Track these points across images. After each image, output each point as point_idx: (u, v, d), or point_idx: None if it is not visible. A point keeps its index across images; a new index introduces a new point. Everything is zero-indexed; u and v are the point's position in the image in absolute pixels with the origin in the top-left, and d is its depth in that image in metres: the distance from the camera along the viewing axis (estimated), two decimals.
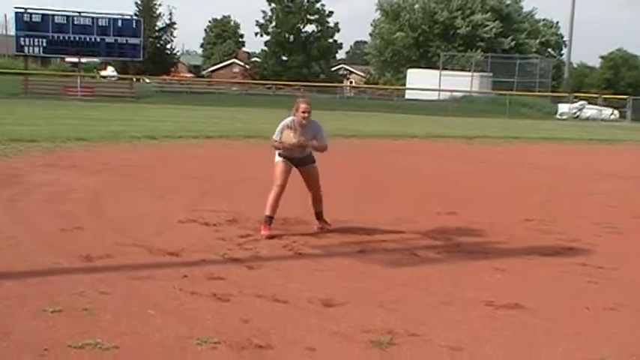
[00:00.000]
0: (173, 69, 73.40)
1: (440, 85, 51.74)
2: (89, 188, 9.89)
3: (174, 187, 10.38)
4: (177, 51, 75.55)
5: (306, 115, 7.53)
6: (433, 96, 50.11)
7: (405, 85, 58.43)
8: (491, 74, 56.53)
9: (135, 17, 49.46)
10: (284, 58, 70.45)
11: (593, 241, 7.74)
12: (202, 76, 78.91)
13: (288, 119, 7.60)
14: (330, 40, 72.51)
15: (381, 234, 7.63)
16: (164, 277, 5.59)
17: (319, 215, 7.90)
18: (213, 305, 4.96)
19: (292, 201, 8.73)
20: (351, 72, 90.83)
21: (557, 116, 47.35)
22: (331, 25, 72.24)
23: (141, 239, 6.83)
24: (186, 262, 6.12)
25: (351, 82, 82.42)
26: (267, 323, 4.65)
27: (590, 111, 47.99)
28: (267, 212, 7.44)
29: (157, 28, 69.62)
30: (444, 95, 50.34)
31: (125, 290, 5.21)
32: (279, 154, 7.73)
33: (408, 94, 54.10)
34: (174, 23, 71.59)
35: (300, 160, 7.76)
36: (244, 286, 5.44)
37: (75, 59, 48.38)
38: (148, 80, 56.62)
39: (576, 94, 52.32)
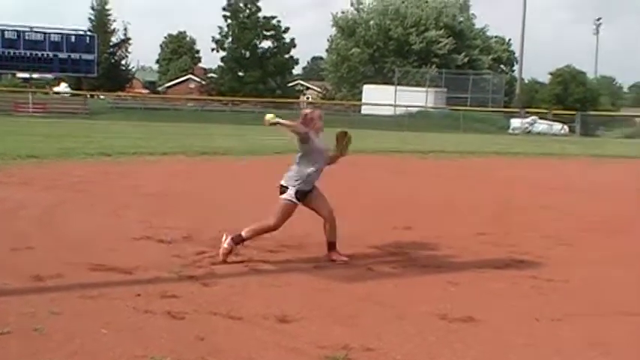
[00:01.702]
0: (128, 85, 72.75)
1: (395, 101, 52.22)
2: (41, 205, 9.75)
3: (128, 204, 10.29)
4: (132, 67, 75.15)
5: (322, 123, 7.15)
6: (389, 111, 50.50)
7: (361, 100, 58.80)
8: (445, 90, 57.27)
9: (89, 33, 49.03)
10: (240, 73, 70.43)
11: (543, 253, 7.86)
12: (158, 92, 78.38)
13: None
14: (287, 56, 72.76)
15: (338, 249, 7.63)
16: (117, 296, 5.53)
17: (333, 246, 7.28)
18: (167, 323, 4.93)
19: (249, 215, 8.69)
20: (308, 87, 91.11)
21: (510, 131, 48.09)
22: (287, 40, 72.52)
23: (93, 257, 6.75)
24: (140, 280, 6.06)
25: (307, 98, 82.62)
26: (223, 340, 4.64)
27: (541, 126, 48.89)
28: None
29: (111, 43, 69.04)
30: (399, 110, 50.80)
31: (77, 309, 5.15)
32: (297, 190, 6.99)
33: (364, 110, 54.50)
34: (129, 39, 71.11)
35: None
36: (199, 303, 5.42)
37: (26, 75, 47.75)
38: (102, 96, 56.09)
39: (527, 110, 53.21)
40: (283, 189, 7.05)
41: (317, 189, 7.23)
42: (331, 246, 7.24)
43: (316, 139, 7.04)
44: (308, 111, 7.34)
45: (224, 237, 7.06)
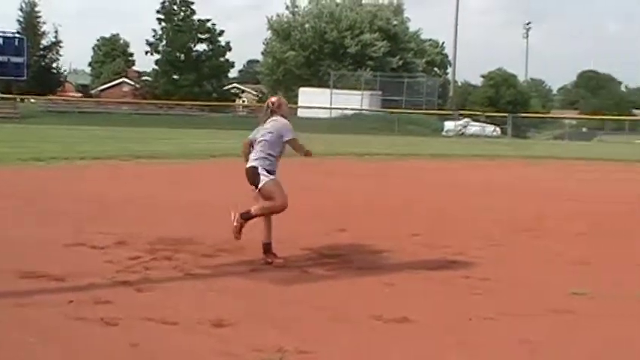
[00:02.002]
0: (60, 88, 71.23)
1: (331, 104, 52.50)
2: None
3: (61, 210, 10.11)
4: (64, 70, 73.49)
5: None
6: (325, 114, 50.75)
7: (297, 103, 58.91)
8: (380, 92, 57.81)
9: (17, 35, 47.86)
10: (175, 77, 69.66)
11: (476, 254, 8.01)
12: (91, 96, 77.03)
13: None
14: (222, 59, 72.31)
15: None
16: (48, 304, 5.43)
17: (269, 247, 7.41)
18: (100, 330, 4.86)
19: (184, 220, 8.69)
20: (244, 91, 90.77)
21: (444, 133, 48.87)
22: (222, 44, 72.10)
23: (24, 264, 6.60)
24: (73, 287, 5.97)
25: (243, 101, 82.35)
26: (157, 346, 4.60)
27: (474, 128, 49.81)
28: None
29: (41, 46, 67.42)
30: (335, 113, 51.09)
31: (5, 318, 5.04)
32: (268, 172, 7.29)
33: (300, 113, 54.57)
34: (60, 41, 69.54)
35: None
36: (133, 309, 5.36)
37: None
38: (33, 100, 54.83)
39: (461, 112, 54.15)
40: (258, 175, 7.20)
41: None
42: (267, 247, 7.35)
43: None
44: (274, 99, 7.63)
45: (232, 215, 7.17)
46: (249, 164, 7.33)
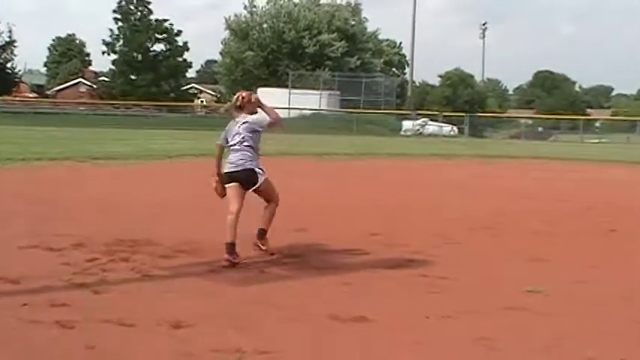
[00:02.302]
0: (14, 89, 70.04)
1: (290, 104, 52.44)
2: None
3: (15, 211, 9.95)
4: (19, 70, 72.20)
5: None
6: (283, 114, 50.61)
7: None
8: (338, 92, 57.94)
9: None
10: (132, 77, 69.11)
11: (434, 252, 8.09)
12: (47, 96, 75.95)
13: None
14: (180, 59, 71.91)
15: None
16: (2, 307, 5.36)
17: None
18: (56, 333, 4.81)
19: (142, 221, 8.62)
20: (202, 91, 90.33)
21: (402, 133, 49.15)
22: (180, 44, 71.68)
23: None
24: (27, 289, 5.89)
25: (202, 101, 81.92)
26: (115, 348, 4.58)
27: (432, 127, 50.19)
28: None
29: None
30: (293, 113, 51.07)
31: None
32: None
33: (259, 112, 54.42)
34: (15, 41, 68.34)
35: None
36: (90, 311, 5.31)
37: None
38: None
39: (419, 112, 54.55)
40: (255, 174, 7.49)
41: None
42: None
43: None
44: (245, 93, 7.90)
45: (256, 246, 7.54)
46: (240, 168, 7.44)
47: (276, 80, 63.77)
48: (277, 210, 7.85)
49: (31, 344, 4.58)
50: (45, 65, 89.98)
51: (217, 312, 5.49)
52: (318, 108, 53.61)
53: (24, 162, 17.18)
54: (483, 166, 23.07)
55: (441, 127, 50.66)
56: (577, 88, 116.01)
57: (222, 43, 73.20)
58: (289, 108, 51.41)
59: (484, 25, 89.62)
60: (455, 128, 50.91)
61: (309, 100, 52.74)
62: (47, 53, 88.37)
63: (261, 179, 7.53)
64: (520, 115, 73.64)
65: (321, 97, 55.57)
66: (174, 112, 58.43)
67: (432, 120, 51.81)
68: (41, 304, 5.43)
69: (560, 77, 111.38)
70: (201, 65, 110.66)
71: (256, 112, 7.74)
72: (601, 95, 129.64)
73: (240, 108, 7.62)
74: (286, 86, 57.93)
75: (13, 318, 5.08)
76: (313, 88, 57.19)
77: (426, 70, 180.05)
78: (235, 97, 7.81)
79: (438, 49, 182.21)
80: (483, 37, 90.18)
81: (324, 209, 11.62)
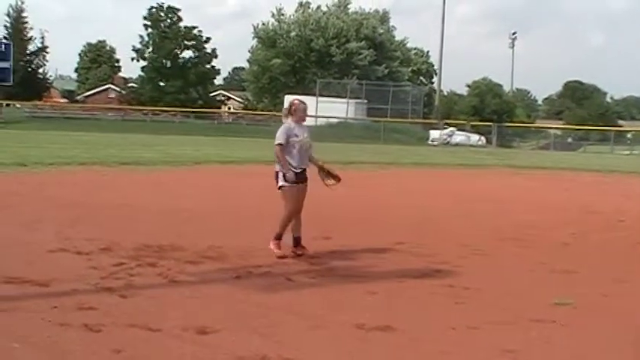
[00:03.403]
0: (45, 94, 70.92)
1: (316, 112, 52.46)
2: None
3: (45, 216, 10.07)
4: (50, 75, 73.20)
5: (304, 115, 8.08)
6: (310, 122, 50.55)
7: (282, 111, 58.79)
8: (366, 101, 57.85)
9: (4, 40, 47.63)
10: (161, 83, 69.69)
11: (460, 263, 8.05)
12: (77, 102, 76.75)
13: (286, 126, 7.98)
14: (208, 66, 72.36)
15: (257, 259, 7.67)
16: (32, 309, 5.42)
17: (299, 241, 8.06)
18: (83, 336, 4.86)
19: (169, 227, 8.67)
20: (229, 98, 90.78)
21: (429, 142, 48.94)
22: (209, 51, 72.16)
23: (7, 270, 6.58)
24: (56, 292, 5.96)
25: (229, 108, 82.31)
26: (141, 353, 4.61)
27: (459, 137, 49.91)
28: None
29: (28, 51, 67.12)
30: (320, 121, 51.11)
31: None
32: (285, 179, 7.92)
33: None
34: (47, 47, 69.30)
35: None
36: (117, 315, 5.36)
37: None
38: (18, 105, 54.55)
39: (446, 121, 54.31)
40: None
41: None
42: (297, 241, 8.06)
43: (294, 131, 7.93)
44: (297, 101, 8.35)
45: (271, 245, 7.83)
46: (302, 167, 8.02)
47: (303, 88, 63.86)
48: (303, 218, 7.96)
49: (60, 347, 4.63)
50: (75, 71, 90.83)
51: (243, 318, 5.50)
52: (344, 116, 53.60)
53: (53, 166, 17.37)
54: (511, 177, 22.90)
55: (469, 136, 50.38)
56: (608, 99, 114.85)
57: (249, 50, 73.62)
58: (316, 116, 51.47)
59: (513, 34, 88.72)
60: (482, 138, 50.58)
61: (336, 109, 52.71)
62: (78, 59, 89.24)
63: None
64: (549, 126, 72.94)
65: (348, 106, 55.54)
66: (201, 118, 58.77)
67: (459, 129, 51.54)
68: (70, 307, 5.48)
69: (591, 88, 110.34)
70: (229, 72, 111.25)
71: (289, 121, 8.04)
72: (633, 106, 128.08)
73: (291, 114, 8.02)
74: (313, 94, 57.97)
75: (43, 320, 5.13)
76: (340, 97, 57.18)
77: (453, 80, 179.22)
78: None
79: (467, 59, 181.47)
80: (513, 46, 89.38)
81: (349, 218, 11.61)
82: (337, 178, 8.46)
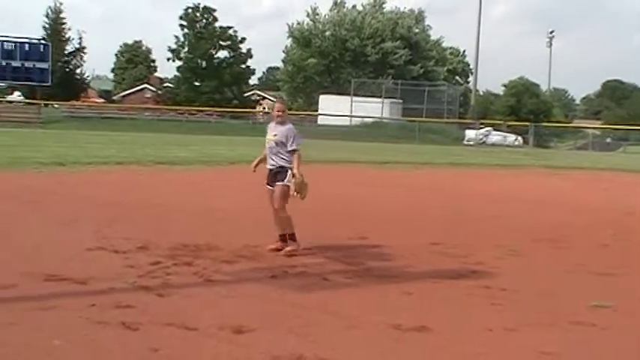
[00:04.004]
0: (83, 94, 71.84)
1: (351, 111, 52.49)
2: None
3: (82, 214, 10.19)
4: (87, 76, 74.09)
5: (279, 113, 8.05)
6: (345, 122, 50.77)
7: (317, 110, 58.96)
8: (401, 101, 57.71)
9: (43, 41, 48.34)
10: (196, 83, 70.13)
11: (496, 264, 7.98)
12: (113, 102, 77.61)
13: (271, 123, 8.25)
14: (243, 66, 72.67)
15: (292, 259, 7.68)
16: (71, 307, 5.49)
17: (284, 237, 8.08)
18: (121, 334, 4.90)
19: (204, 226, 8.72)
20: (264, 97, 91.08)
21: (465, 142, 48.65)
22: (244, 51, 72.47)
23: (47, 268, 6.68)
24: (94, 290, 6.02)
25: (264, 108, 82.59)
26: (177, 351, 4.63)
27: (496, 137, 49.53)
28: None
29: (65, 52, 68.06)
30: (355, 121, 51.09)
31: (30, 321, 5.09)
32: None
33: (320, 120, 54.66)
34: (84, 47, 70.21)
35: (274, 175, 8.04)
36: (154, 314, 5.40)
37: None
38: (56, 105, 55.30)
39: (482, 121, 53.89)
40: None
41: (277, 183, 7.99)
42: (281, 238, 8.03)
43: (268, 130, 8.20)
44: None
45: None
46: (271, 166, 8.12)
47: (338, 87, 63.96)
48: (337, 217, 8.00)
49: (98, 345, 4.67)
50: (112, 71, 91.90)
51: (278, 318, 5.51)
52: (379, 116, 53.48)
53: (90, 165, 17.58)
54: (548, 177, 22.67)
55: (505, 136, 49.96)
56: None
57: (284, 50, 73.83)
58: (351, 116, 51.47)
59: (551, 33, 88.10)
60: (519, 138, 50.10)
61: (371, 108, 52.67)
62: (114, 59, 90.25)
63: None
64: (587, 126, 72.09)
65: (383, 105, 55.44)
66: (236, 118, 59.03)
67: (495, 129, 51.12)
68: (107, 306, 5.53)
69: (631, 87, 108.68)
70: (263, 72, 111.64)
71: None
72: None
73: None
74: (348, 94, 57.96)
75: (81, 318, 5.19)
76: (375, 96, 57.09)
77: (489, 79, 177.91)
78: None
79: (503, 58, 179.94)
80: (550, 45, 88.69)
81: (384, 218, 11.58)
82: (302, 195, 8.10)
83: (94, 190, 13.39)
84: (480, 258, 8.23)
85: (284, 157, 7.96)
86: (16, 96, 57.61)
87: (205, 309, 5.65)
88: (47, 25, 67.46)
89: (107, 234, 8.60)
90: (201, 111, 57.14)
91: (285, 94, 77.57)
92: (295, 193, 7.90)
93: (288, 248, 7.92)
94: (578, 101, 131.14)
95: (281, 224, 8.05)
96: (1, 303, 5.54)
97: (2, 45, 42.67)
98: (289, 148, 7.95)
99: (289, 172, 7.93)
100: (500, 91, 77.71)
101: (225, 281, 6.66)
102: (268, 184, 8.09)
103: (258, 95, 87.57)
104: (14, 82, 49.82)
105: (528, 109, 65.47)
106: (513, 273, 7.63)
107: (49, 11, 67.92)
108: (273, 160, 8.02)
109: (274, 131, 8.03)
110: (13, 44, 43.13)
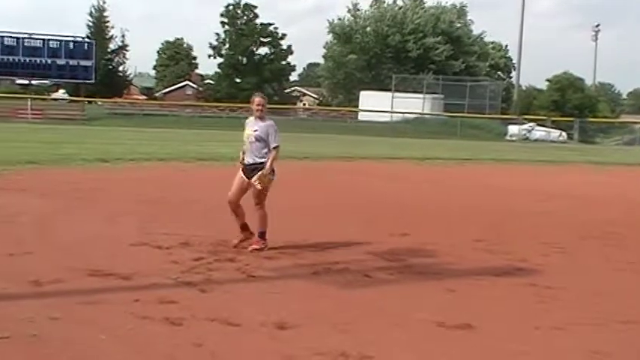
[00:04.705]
0: (125, 91, 72.74)
1: (392, 107, 52.26)
2: (39, 211, 9.75)
3: (126, 210, 10.29)
4: (130, 73, 75.06)
5: (259, 107, 7.93)
6: (386, 118, 50.58)
7: (357, 106, 58.83)
8: (442, 96, 57.25)
9: (87, 39, 49.02)
10: (237, 80, 70.53)
11: (541, 261, 7.87)
12: (155, 98, 78.40)
13: (249, 118, 8.08)
14: (283, 63, 72.86)
15: (334, 255, 7.66)
16: (115, 302, 5.54)
17: (245, 226, 8.01)
18: (165, 329, 4.93)
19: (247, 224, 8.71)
20: (304, 94, 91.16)
21: (507, 138, 48.04)
22: (284, 47, 72.65)
23: (91, 263, 6.75)
24: (138, 286, 6.07)
25: (304, 104, 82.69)
26: (220, 347, 4.64)
27: (539, 132, 48.82)
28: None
29: (109, 50, 69.01)
30: (396, 117, 50.86)
31: (75, 315, 5.15)
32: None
33: (361, 116, 54.53)
34: (127, 45, 71.14)
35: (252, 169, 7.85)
36: (197, 309, 5.41)
37: (25, 81, 47.83)
38: (100, 102, 56.04)
39: (525, 116, 53.21)
40: None
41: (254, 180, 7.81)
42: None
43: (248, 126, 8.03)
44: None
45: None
46: (248, 161, 7.98)
47: (379, 83, 63.66)
48: (379, 214, 7.92)
49: (143, 339, 4.70)
50: (154, 68, 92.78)
51: (321, 314, 5.49)
52: (421, 112, 53.17)
53: (133, 162, 17.74)
54: (595, 174, 22.30)
55: (549, 132, 49.22)
56: None
57: (324, 46, 73.74)
58: (392, 112, 51.28)
59: (597, 26, 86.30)
60: (564, 134, 49.34)
61: (412, 104, 52.37)
62: (156, 57, 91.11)
63: None
64: (635, 121, 70.62)
65: (424, 101, 55.11)
66: (276, 114, 59.06)
67: (539, 125, 50.41)
68: (151, 301, 5.57)
69: None
70: (304, 68, 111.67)
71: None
72: None
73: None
74: (389, 90, 57.69)
75: (125, 313, 5.23)
76: (416, 92, 56.75)
77: (533, 74, 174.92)
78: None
79: (546, 52, 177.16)
80: (596, 39, 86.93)
81: (426, 214, 11.50)
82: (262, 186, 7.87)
83: (137, 186, 13.51)
84: (525, 255, 8.12)
85: (263, 154, 7.84)
86: (61, 93, 58.55)
87: (248, 305, 5.66)
88: (91, 24, 68.49)
89: (150, 230, 8.67)
90: (242, 107, 57.37)
91: (325, 90, 77.57)
92: (257, 183, 7.75)
93: (255, 246, 7.77)
94: (625, 96, 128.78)
95: (259, 220, 7.90)
96: (47, 297, 5.61)
97: (47, 43, 43.37)
98: (272, 145, 7.84)
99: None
100: (543, 86, 76.69)
101: (267, 277, 6.67)
102: (244, 175, 7.92)
103: (299, 92, 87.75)
104: (59, 80, 50.68)
105: (573, 105, 64.48)
106: (560, 271, 7.51)
107: (92, 10, 69.00)
108: (251, 156, 7.87)
109: (254, 127, 7.89)
110: (58, 43, 43.83)
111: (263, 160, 7.79)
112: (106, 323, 4.98)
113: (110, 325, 4.95)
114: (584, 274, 7.49)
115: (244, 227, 7.93)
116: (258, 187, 7.74)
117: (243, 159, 7.96)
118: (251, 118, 8.06)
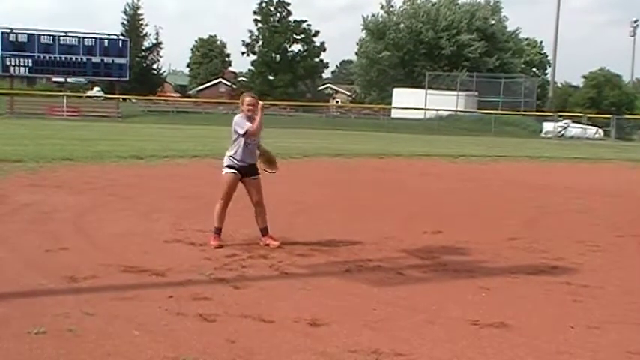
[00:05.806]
0: (159, 88, 73.39)
1: (426, 104, 52.04)
2: (74, 208, 9.87)
3: (160, 207, 10.37)
4: (164, 70, 75.77)
5: (250, 107, 7.91)
6: (419, 115, 50.40)
7: (391, 104, 58.66)
8: (476, 93, 56.87)
9: (121, 37, 49.51)
10: (270, 77, 70.75)
11: (577, 259, 7.78)
12: (189, 96, 78.99)
13: (237, 117, 8.04)
14: (317, 60, 72.92)
15: (367, 253, 7.64)
16: (149, 298, 5.58)
17: (265, 232, 7.97)
18: (198, 325, 4.95)
19: (279, 219, 8.75)
20: (337, 91, 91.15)
21: (542, 135, 47.61)
22: (317, 44, 72.69)
23: (126, 259, 6.82)
24: (172, 282, 6.11)
25: (337, 101, 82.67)
26: (254, 343, 4.65)
27: (575, 130, 48.25)
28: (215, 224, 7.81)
29: (143, 47, 69.69)
30: (429, 114, 50.65)
31: (110, 311, 5.20)
32: (228, 166, 8.03)
33: (394, 113, 54.36)
34: (161, 43, 71.79)
35: (248, 169, 7.93)
36: (230, 306, 5.44)
37: (61, 79, 48.46)
38: (134, 100, 56.57)
39: (561, 113, 52.63)
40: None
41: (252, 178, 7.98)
42: (263, 232, 7.91)
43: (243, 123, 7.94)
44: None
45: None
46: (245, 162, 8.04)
47: (412, 81, 63.45)
48: (412, 211, 7.86)
49: (177, 335, 4.73)
50: (187, 66, 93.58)
51: (354, 311, 5.47)
52: (455, 109, 52.87)
53: (167, 159, 17.87)
54: (631, 171, 21.99)
55: (585, 129, 48.62)
56: None
57: (357, 43, 73.62)
58: (425, 109, 51.06)
59: (635, 22, 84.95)
60: (600, 131, 48.68)
61: (446, 101, 52.09)
62: (190, 54, 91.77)
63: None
64: None
65: (458, 98, 54.76)
66: (309, 112, 59.22)
67: (574, 122, 49.82)
68: (185, 297, 5.60)
69: None
70: (337, 65, 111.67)
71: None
72: None
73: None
74: (422, 86, 57.44)
75: (160, 309, 5.27)
76: (450, 89, 56.43)
77: (568, 71, 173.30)
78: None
79: (583, 49, 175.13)
80: (634, 35, 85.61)
81: (460, 211, 11.42)
82: (274, 167, 8.30)
83: (171, 183, 13.61)
84: (560, 253, 8.02)
85: (255, 153, 7.99)
86: (96, 91, 59.25)
87: (281, 301, 5.67)
88: (125, 22, 69.22)
89: (184, 226, 8.74)
90: (275, 104, 57.54)
91: (358, 87, 77.46)
92: (266, 171, 8.02)
93: (275, 242, 7.80)
94: None
95: (264, 216, 7.98)
96: (82, 293, 5.67)
97: (83, 41, 43.84)
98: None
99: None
100: (579, 82, 75.81)
101: (300, 274, 6.67)
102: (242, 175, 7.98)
103: (332, 89, 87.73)
104: (94, 78, 51.25)
105: (609, 101, 63.64)
106: (595, 269, 7.42)
107: (127, 8, 69.71)
108: (251, 156, 8.03)
109: (246, 127, 7.92)
110: (93, 40, 44.28)
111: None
112: (140, 319, 5.02)
113: (144, 320, 4.99)
114: (621, 272, 7.38)
115: (221, 230, 7.90)
116: (275, 170, 8.17)
117: (238, 161, 7.99)
118: (239, 117, 8.03)
